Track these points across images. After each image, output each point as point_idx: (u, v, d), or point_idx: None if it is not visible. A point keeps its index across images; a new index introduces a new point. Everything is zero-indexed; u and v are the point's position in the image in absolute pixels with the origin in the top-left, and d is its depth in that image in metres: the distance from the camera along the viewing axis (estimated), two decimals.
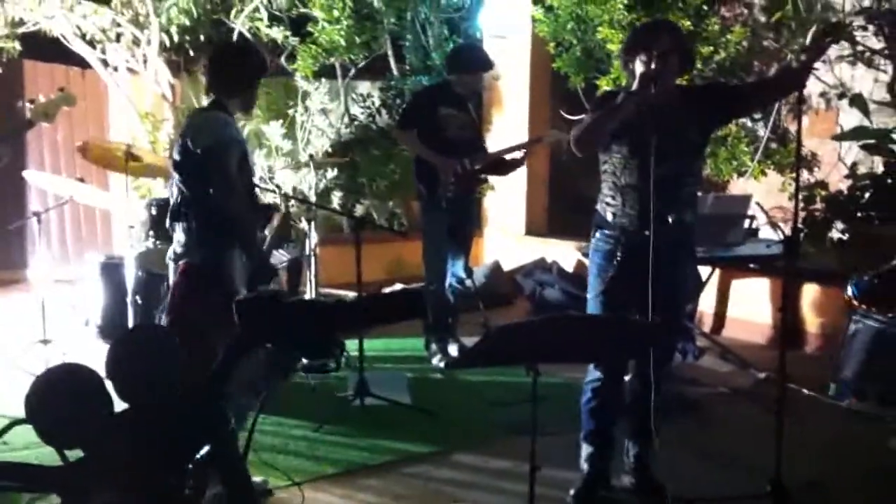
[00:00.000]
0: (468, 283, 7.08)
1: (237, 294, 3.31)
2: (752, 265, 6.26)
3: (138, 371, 2.58)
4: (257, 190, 4.01)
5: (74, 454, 2.57)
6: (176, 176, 3.54)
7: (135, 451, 2.40)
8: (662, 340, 3.56)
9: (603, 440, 3.80)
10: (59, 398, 2.46)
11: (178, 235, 3.50)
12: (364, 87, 8.77)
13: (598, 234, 3.77)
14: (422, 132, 5.75)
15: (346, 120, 8.31)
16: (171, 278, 3.57)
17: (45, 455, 3.05)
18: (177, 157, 3.51)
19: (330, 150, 8.16)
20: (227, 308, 3.02)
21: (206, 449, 2.56)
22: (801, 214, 6.01)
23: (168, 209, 3.64)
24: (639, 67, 3.54)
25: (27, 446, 3.93)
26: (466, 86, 5.83)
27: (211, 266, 3.41)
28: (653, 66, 3.48)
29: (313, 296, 6.17)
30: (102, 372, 2.62)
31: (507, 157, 6.06)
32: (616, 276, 3.65)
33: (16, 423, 2.65)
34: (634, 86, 3.54)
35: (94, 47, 7.19)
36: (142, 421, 2.47)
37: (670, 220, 3.52)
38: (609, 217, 3.70)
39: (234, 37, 7.60)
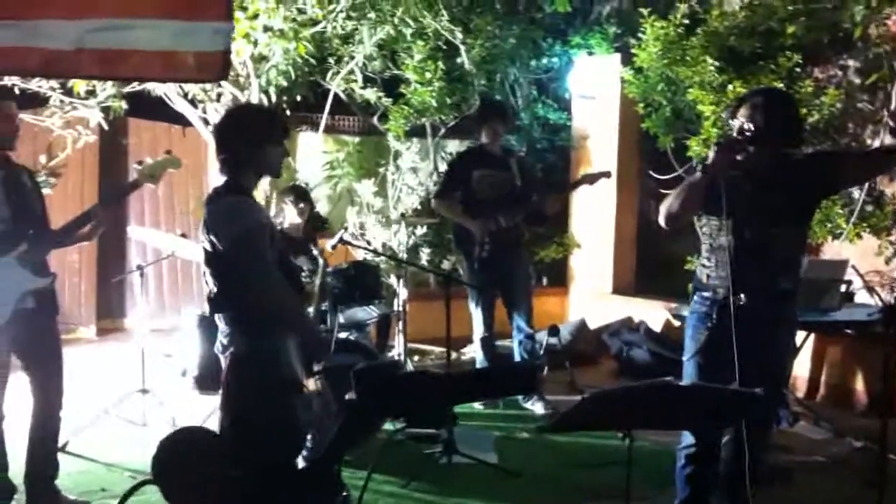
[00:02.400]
0: (553, 340, 7.12)
1: (291, 378, 3.16)
2: (848, 331, 6.11)
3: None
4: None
5: None
6: (206, 269, 3.30)
7: None
8: (762, 410, 3.50)
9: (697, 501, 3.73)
10: (186, 460, 2.49)
11: (222, 326, 3.26)
12: (453, 145, 8.91)
13: (695, 296, 3.77)
14: (461, 197, 6.10)
15: (434, 178, 8.44)
16: (223, 371, 3.29)
17: None
18: (205, 248, 3.26)
19: (419, 207, 8.29)
20: (281, 394, 3.06)
21: None
22: None
23: None
24: (735, 132, 3.55)
25: None
26: (490, 138, 6.12)
27: (258, 355, 3.16)
28: (746, 131, 3.48)
29: (402, 351, 6.26)
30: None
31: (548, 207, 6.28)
32: (711, 339, 3.62)
33: (144, 482, 2.69)
34: (711, 154, 3.47)
35: (195, 106, 7.46)
36: (261, 486, 2.52)
37: (761, 287, 3.48)
38: (704, 279, 3.70)
39: (329, 98, 7.82)
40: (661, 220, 3.62)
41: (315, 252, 5.57)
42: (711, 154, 3.45)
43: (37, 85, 6.61)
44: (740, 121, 3.54)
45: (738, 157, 3.48)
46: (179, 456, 2.51)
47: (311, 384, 3.08)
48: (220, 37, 3.85)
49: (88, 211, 4.21)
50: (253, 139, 3.27)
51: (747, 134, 3.48)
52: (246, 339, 3.15)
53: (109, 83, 7.09)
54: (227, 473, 2.46)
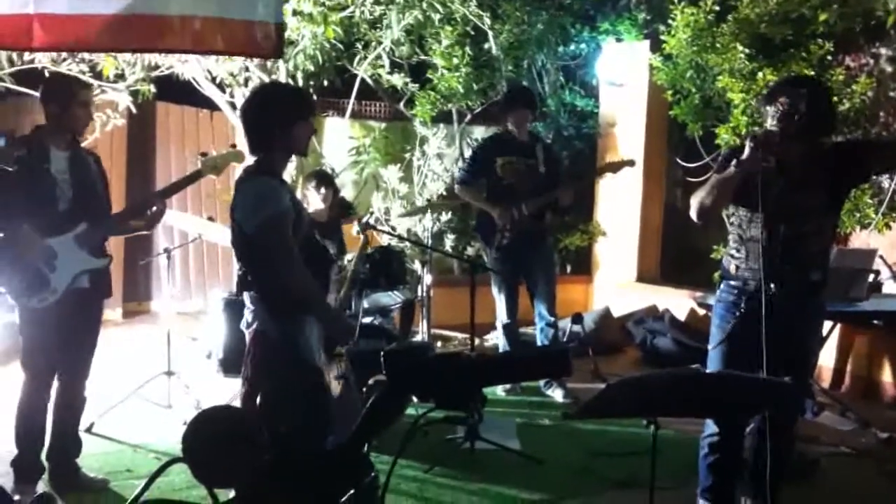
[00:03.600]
0: (576, 328, 7.11)
1: (311, 362, 3.19)
2: (875, 321, 6.05)
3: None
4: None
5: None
6: (234, 249, 3.36)
7: (284, 496, 2.45)
8: (788, 400, 3.48)
9: (721, 497, 3.72)
10: (216, 439, 2.50)
11: (248, 303, 3.29)
12: (479, 131, 8.90)
13: (722, 285, 3.75)
14: (486, 183, 6.09)
15: (460, 163, 8.43)
16: (247, 345, 3.34)
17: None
18: (232, 228, 3.29)
19: (445, 193, 8.29)
20: (299, 376, 3.07)
21: (350, 494, 2.61)
22: None
23: None
24: (768, 122, 3.51)
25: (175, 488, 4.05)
26: (516, 125, 6.07)
27: (281, 334, 3.18)
28: (775, 123, 3.44)
29: (426, 337, 6.27)
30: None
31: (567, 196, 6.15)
32: (738, 329, 3.61)
33: (174, 461, 2.71)
34: (747, 147, 3.40)
35: (223, 90, 7.50)
36: (292, 466, 2.53)
37: (793, 279, 3.45)
38: (732, 269, 3.68)
39: (356, 83, 7.82)
40: (693, 214, 3.58)
41: (341, 237, 5.57)
42: (746, 149, 3.38)
43: (66, 68, 6.65)
44: (777, 111, 3.48)
45: (773, 151, 3.44)
46: (209, 434, 2.53)
47: (334, 369, 3.08)
48: (270, 8, 3.85)
49: (148, 197, 4.28)
50: (281, 117, 3.24)
51: (783, 127, 3.43)
52: (269, 318, 3.17)
53: (139, 66, 7.16)
54: (254, 452, 2.48)
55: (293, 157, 3.75)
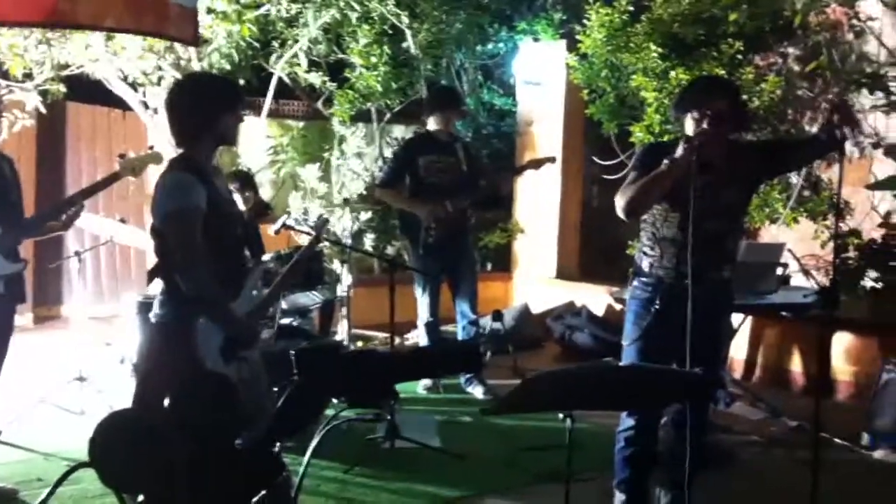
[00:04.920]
0: (497, 325, 7.16)
1: (200, 360, 3.05)
2: (784, 313, 6.22)
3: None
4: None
5: None
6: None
7: (194, 498, 2.41)
8: (701, 392, 3.54)
9: (636, 488, 3.79)
10: (123, 442, 2.45)
11: (157, 291, 3.26)
12: (399, 130, 8.89)
13: (635, 282, 3.78)
14: (408, 183, 6.06)
15: (380, 163, 8.40)
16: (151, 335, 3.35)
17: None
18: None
19: (364, 192, 8.25)
20: (199, 372, 3.00)
21: (261, 495, 2.57)
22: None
23: None
24: (689, 126, 3.55)
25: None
26: (443, 125, 6.08)
27: (177, 327, 3.11)
28: (705, 126, 3.47)
29: (346, 337, 6.24)
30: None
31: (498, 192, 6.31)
32: (653, 325, 3.66)
33: (80, 465, 2.64)
34: (680, 148, 3.43)
35: (135, 90, 7.34)
36: (202, 468, 2.49)
37: (708, 277, 3.53)
38: (646, 267, 3.73)
39: (273, 82, 7.73)
40: (622, 213, 3.57)
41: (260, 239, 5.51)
42: (680, 149, 3.41)
43: None
44: (702, 115, 3.48)
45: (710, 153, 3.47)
46: (116, 438, 2.47)
47: (239, 370, 3.01)
48: None
49: (68, 199, 4.18)
50: (209, 107, 3.18)
51: (716, 129, 3.47)
52: (171, 311, 3.13)
53: (48, 65, 6.96)
54: (162, 455, 2.43)
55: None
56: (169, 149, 3.37)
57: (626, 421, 3.79)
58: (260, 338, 3.12)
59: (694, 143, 3.41)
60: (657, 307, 3.65)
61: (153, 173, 5.26)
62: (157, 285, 3.25)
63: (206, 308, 3.07)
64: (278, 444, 2.61)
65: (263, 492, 2.57)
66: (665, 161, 3.45)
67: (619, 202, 3.57)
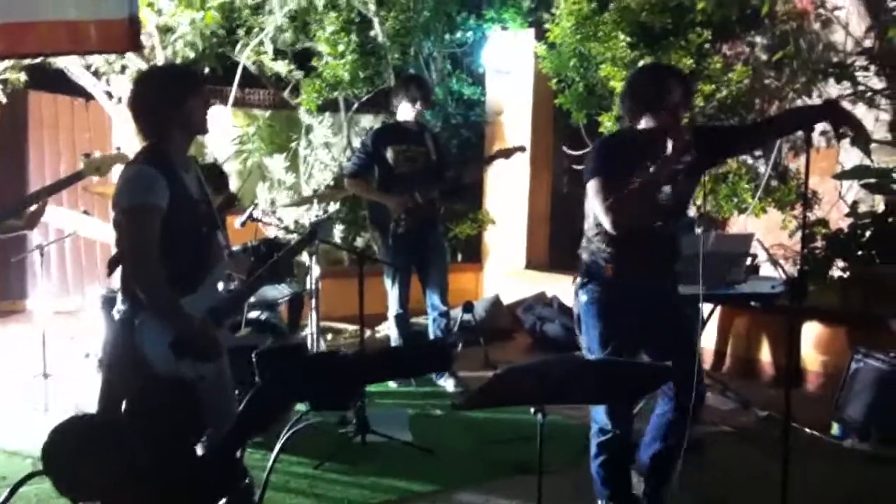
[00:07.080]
0: (467, 317, 7.13)
1: (150, 364, 2.95)
2: (753, 303, 6.24)
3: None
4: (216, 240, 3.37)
5: None
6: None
7: None
8: (688, 384, 3.49)
9: (621, 493, 3.76)
10: (77, 451, 2.37)
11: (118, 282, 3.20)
12: (367, 120, 8.81)
13: (591, 286, 3.67)
14: (377, 174, 6.01)
15: (348, 153, 8.33)
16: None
17: None
18: None
19: (332, 183, 8.17)
20: (157, 372, 2.93)
21: (223, 501, 2.52)
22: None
23: None
24: (647, 120, 3.52)
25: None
26: (410, 114, 6.01)
27: (129, 320, 3.04)
28: (672, 119, 3.44)
29: (315, 330, 6.17)
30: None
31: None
32: (617, 327, 3.60)
33: (33, 475, 2.58)
34: (671, 149, 3.37)
35: (98, 79, 7.22)
36: (160, 474, 2.42)
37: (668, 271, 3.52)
38: (602, 264, 3.64)
39: (239, 71, 7.63)
40: (613, 229, 3.43)
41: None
42: (669, 149, 3.37)
43: None
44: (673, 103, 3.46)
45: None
46: (70, 445, 2.40)
47: (195, 369, 2.93)
48: (124, 3, 3.70)
49: (30, 197, 4.07)
50: (170, 96, 3.11)
51: (677, 118, 3.45)
52: (124, 300, 3.06)
53: None
54: (118, 462, 2.37)
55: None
56: (135, 141, 3.28)
57: (601, 424, 3.68)
58: (217, 347, 3.00)
59: (685, 138, 3.35)
60: (618, 307, 3.57)
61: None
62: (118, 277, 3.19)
63: (154, 308, 2.98)
64: (240, 449, 2.55)
65: (223, 500, 2.51)
66: (652, 168, 3.38)
67: (610, 218, 3.41)
